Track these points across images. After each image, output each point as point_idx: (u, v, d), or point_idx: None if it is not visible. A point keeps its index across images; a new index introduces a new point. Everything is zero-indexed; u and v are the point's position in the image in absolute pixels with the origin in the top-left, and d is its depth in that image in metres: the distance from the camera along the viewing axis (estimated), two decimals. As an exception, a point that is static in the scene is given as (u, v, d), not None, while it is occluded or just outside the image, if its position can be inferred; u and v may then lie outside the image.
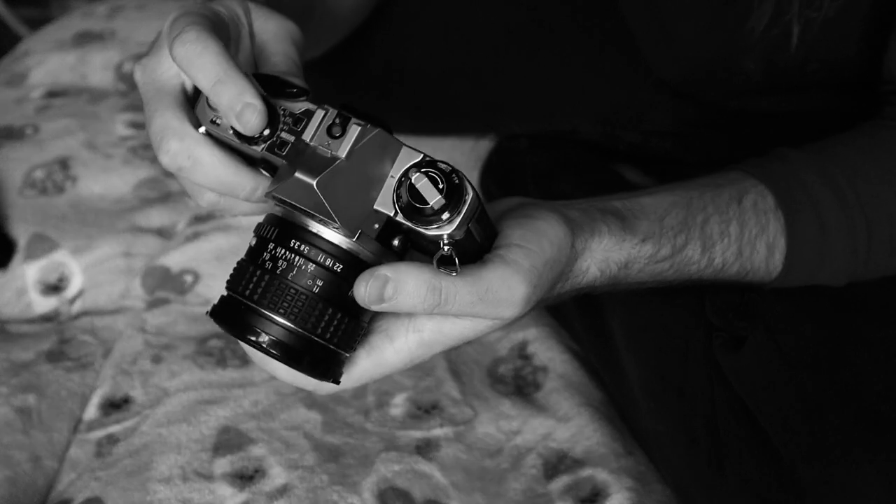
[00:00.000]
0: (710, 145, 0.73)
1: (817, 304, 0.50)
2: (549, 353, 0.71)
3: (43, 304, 0.79)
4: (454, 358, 0.71)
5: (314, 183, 0.38)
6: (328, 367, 0.41)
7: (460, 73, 0.80)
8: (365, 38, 0.77)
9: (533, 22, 0.78)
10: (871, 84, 0.59)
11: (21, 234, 0.83)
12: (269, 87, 0.41)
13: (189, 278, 0.80)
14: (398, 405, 0.66)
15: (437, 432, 0.64)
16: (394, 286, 0.38)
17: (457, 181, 0.38)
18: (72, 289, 0.80)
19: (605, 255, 0.45)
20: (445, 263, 0.38)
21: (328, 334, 0.40)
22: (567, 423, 0.64)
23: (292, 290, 0.39)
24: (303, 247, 0.39)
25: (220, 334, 0.74)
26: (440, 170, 0.38)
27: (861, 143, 0.52)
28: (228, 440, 0.63)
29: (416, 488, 0.59)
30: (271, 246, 0.40)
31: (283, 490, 0.59)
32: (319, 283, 0.39)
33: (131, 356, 0.72)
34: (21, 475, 0.61)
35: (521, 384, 0.69)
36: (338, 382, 0.42)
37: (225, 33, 0.44)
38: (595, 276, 0.46)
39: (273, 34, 0.47)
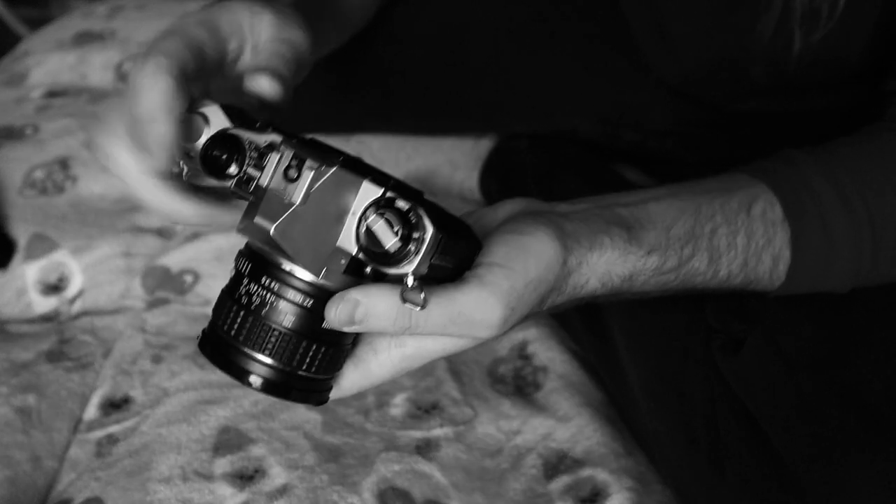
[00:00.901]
0: (710, 145, 0.73)
1: (816, 305, 0.50)
2: (549, 353, 0.71)
3: (43, 304, 0.79)
4: (454, 358, 0.71)
5: (270, 231, 0.38)
6: (315, 394, 0.42)
7: (461, 72, 0.80)
8: (366, 38, 0.77)
9: (534, 22, 0.78)
10: (872, 83, 0.59)
11: (21, 234, 0.83)
12: (235, 119, 0.40)
13: (189, 278, 0.80)
14: (398, 405, 0.66)
15: (437, 432, 0.64)
16: (364, 309, 0.38)
17: (413, 221, 0.37)
18: (72, 289, 0.80)
19: (608, 269, 0.44)
20: (411, 299, 0.38)
21: (306, 365, 0.40)
22: (567, 423, 0.64)
23: (267, 328, 0.39)
24: (273, 284, 0.39)
25: (220, 334, 0.74)
26: (396, 210, 0.37)
27: (867, 147, 0.51)
28: (228, 440, 0.63)
29: (416, 488, 0.59)
30: (245, 281, 0.40)
31: (283, 490, 0.59)
32: (292, 318, 0.39)
33: (131, 356, 0.72)
34: (21, 475, 0.61)
35: (521, 384, 0.69)
36: (324, 402, 0.43)
37: (217, 48, 0.45)
38: (595, 288, 0.45)
39: (270, 35, 0.47)
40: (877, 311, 0.50)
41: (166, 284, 0.79)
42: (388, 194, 0.37)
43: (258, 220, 0.38)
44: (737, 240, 0.47)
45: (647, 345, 0.58)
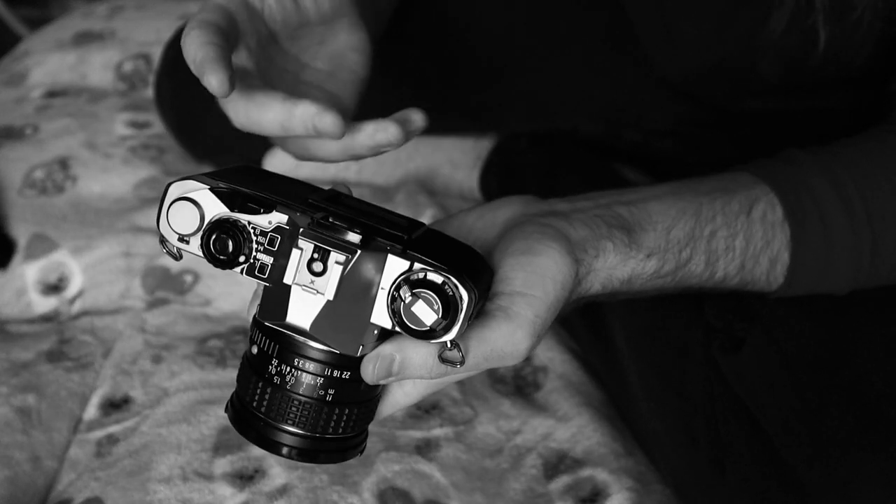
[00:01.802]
0: (711, 145, 0.73)
1: (816, 304, 0.50)
2: (549, 353, 0.71)
3: (43, 304, 0.79)
4: (454, 358, 0.71)
5: (307, 328, 0.38)
6: (348, 451, 0.42)
7: (462, 71, 0.80)
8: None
9: (535, 21, 0.78)
10: (876, 84, 0.59)
11: (21, 234, 0.83)
12: (231, 203, 0.39)
13: (189, 278, 0.80)
14: (398, 405, 0.66)
15: (437, 432, 0.64)
16: (399, 363, 0.39)
17: (451, 293, 0.36)
18: (72, 289, 0.80)
19: (609, 273, 0.44)
20: (450, 359, 0.38)
21: (340, 428, 0.40)
22: (567, 423, 0.64)
23: (308, 405, 0.39)
24: (308, 364, 0.39)
25: (219, 334, 0.74)
26: (431, 286, 0.36)
27: (870, 148, 0.51)
28: (228, 440, 0.63)
29: (416, 488, 0.59)
30: (275, 362, 0.40)
31: (283, 490, 0.59)
32: (332, 391, 0.39)
33: (131, 356, 0.72)
34: (21, 475, 0.61)
35: (521, 384, 0.69)
36: (364, 449, 0.43)
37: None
38: (597, 291, 0.45)
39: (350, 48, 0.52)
40: (877, 309, 0.50)
41: (166, 284, 0.79)
42: (416, 266, 0.37)
43: (291, 319, 0.38)
44: (735, 242, 0.47)
45: (646, 343, 0.58)
